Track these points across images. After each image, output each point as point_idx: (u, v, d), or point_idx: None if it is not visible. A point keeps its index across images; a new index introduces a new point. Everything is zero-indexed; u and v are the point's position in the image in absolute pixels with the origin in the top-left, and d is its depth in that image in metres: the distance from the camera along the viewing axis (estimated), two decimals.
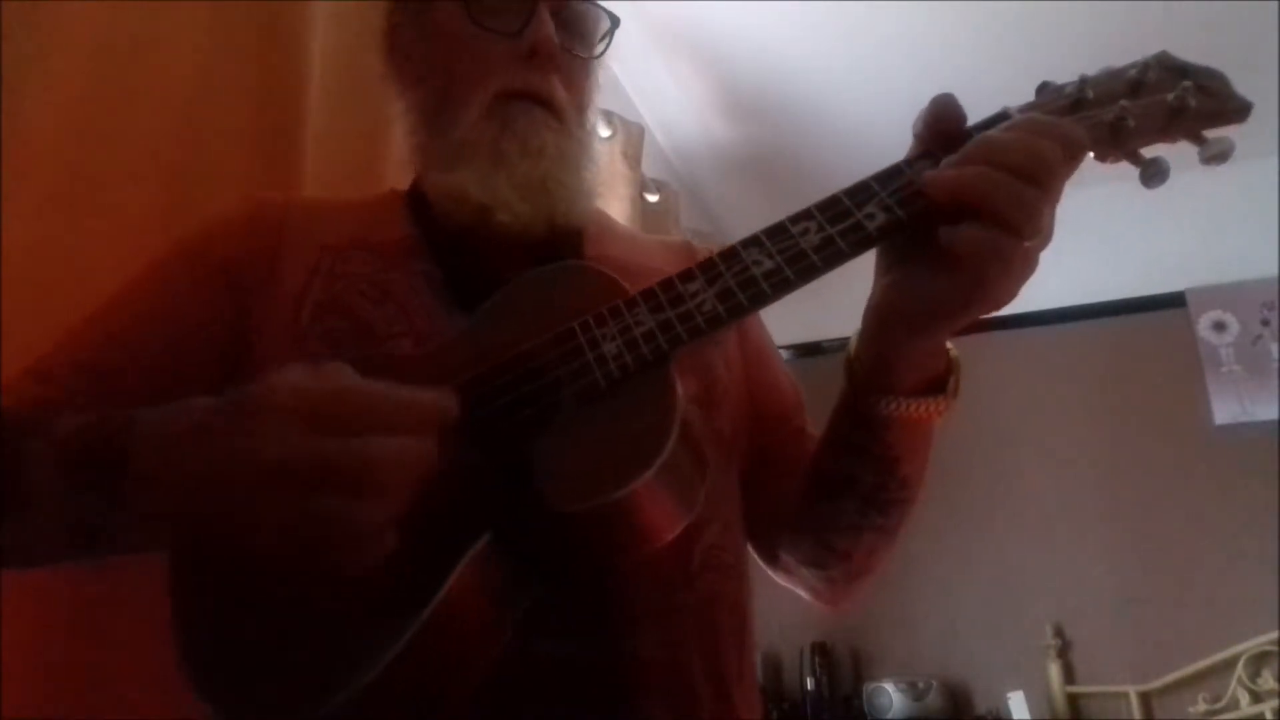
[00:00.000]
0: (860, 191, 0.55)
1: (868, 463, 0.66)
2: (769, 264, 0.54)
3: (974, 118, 0.57)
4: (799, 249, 0.54)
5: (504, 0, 0.73)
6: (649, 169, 2.46)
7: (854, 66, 2.59)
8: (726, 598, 0.68)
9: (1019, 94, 0.60)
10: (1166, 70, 0.56)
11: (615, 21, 0.80)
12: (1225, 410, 2.89)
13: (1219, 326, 2.98)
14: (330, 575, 0.45)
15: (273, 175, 0.97)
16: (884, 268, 0.58)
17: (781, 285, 0.53)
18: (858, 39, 2.49)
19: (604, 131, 2.16)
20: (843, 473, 0.68)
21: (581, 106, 0.78)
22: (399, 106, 0.81)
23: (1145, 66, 0.56)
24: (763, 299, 0.54)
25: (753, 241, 0.56)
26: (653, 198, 2.44)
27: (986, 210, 0.49)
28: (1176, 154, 0.56)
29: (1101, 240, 3.01)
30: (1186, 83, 0.54)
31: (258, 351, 0.68)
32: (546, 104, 0.73)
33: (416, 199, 0.77)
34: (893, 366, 0.60)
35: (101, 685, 0.74)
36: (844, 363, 0.64)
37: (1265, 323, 2.94)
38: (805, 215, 0.55)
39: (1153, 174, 0.55)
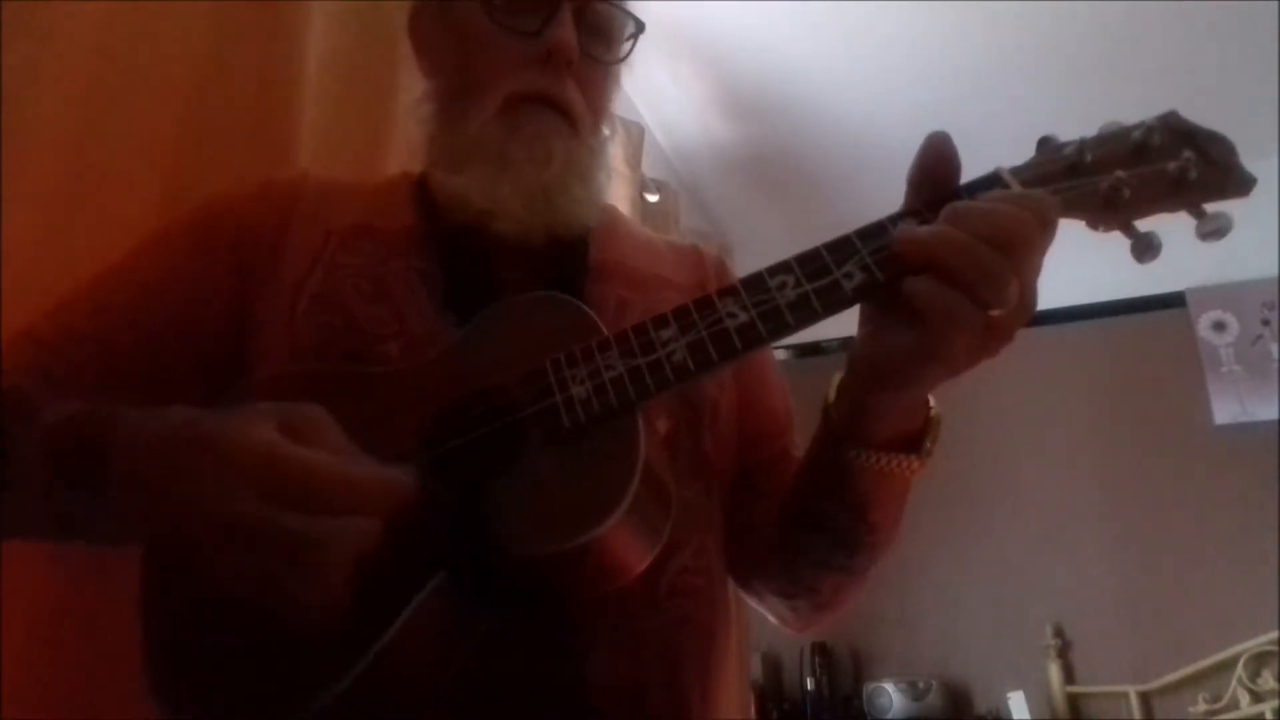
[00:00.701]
0: (842, 247, 0.54)
1: (838, 505, 0.65)
2: (743, 317, 0.53)
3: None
4: (774, 305, 0.53)
5: None
6: (649, 169, 2.46)
7: (854, 66, 2.59)
8: (694, 622, 0.67)
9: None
10: (1172, 134, 0.54)
11: (640, 26, 0.77)
12: (1225, 410, 2.90)
13: (1219, 326, 2.98)
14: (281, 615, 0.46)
15: (272, 174, 0.97)
16: (863, 319, 0.57)
17: (753, 341, 0.53)
18: (858, 39, 2.49)
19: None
20: (814, 510, 0.68)
21: (597, 111, 0.76)
22: (416, 93, 0.80)
23: (1150, 130, 0.54)
24: (733, 354, 0.53)
25: (730, 292, 0.55)
26: (653, 198, 2.44)
27: (946, 269, 0.49)
28: None
29: (1101, 240, 3.00)
30: (1189, 153, 0.53)
31: (255, 334, 0.67)
32: (560, 109, 0.72)
33: (424, 189, 0.76)
34: (867, 418, 0.59)
35: (101, 685, 0.73)
36: (821, 407, 0.63)
37: (1265, 323, 2.94)
38: (784, 268, 0.54)
39: (1143, 249, 0.53)
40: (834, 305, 0.52)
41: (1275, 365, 2.89)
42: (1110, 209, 0.54)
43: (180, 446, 0.49)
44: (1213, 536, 2.79)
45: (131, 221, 0.84)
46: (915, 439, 0.61)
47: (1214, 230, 0.53)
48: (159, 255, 0.71)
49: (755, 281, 0.55)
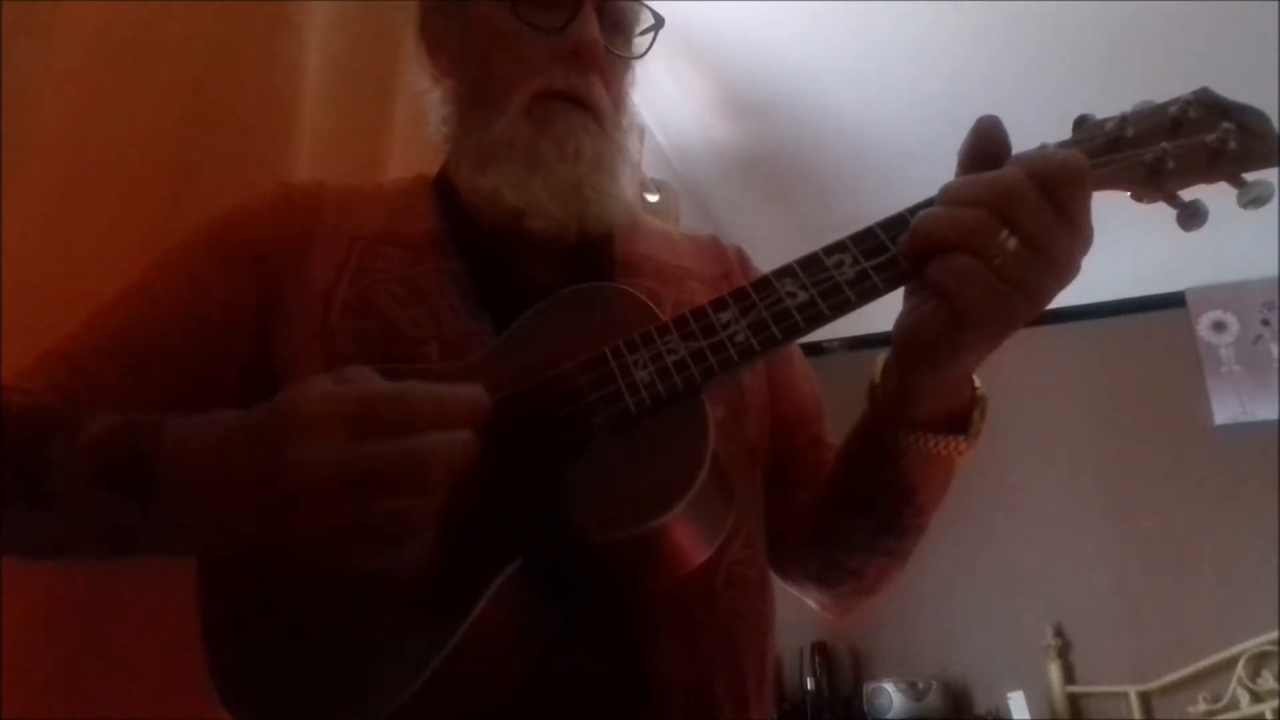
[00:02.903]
0: (895, 224, 0.55)
1: (884, 488, 0.65)
2: (803, 296, 0.54)
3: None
4: (834, 282, 0.54)
5: None
6: (649, 169, 2.46)
7: (854, 66, 2.59)
8: (748, 615, 0.67)
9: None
10: (1207, 109, 0.55)
11: (660, 20, 0.77)
12: (1225, 410, 2.90)
13: (1219, 326, 2.98)
14: (374, 580, 0.46)
15: (272, 175, 0.97)
16: (907, 293, 0.57)
17: (815, 318, 0.53)
18: (858, 39, 2.48)
19: None
20: (858, 495, 0.68)
21: (619, 106, 0.76)
22: (432, 94, 0.79)
23: (1186, 104, 0.55)
24: (796, 332, 0.54)
25: (786, 272, 0.55)
26: (653, 198, 2.44)
27: (940, 241, 0.51)
28: None
29: (1101, 240, 3.00)
30: (1228, 124, 0.53)
31: (284, 346, 0.67)
32: (586, 105, 0.71)
33: (444, 190, 0.75)
34: (914, 396, 0.59)
35: (101, 685, 0.73)
36: (867, 388, 0.63)
37: (1265, 323, 2.94)
38: (840, 247, 0.55)
39: (1189, 217, 0.54)
40: (894, 280, 0.53)
41: (1275, 365, 2.89)
42: (1154, 180, 0.54)
43: (241, 435, 0.49)
44: (1213, 536, 2.79)
45: (132, 221, 0.84)
46: (962, 419, 0.61)
47: (1256, 198, 0.53)
48: (183, 270, 0.70)
49: (811, 261, 0.55)
